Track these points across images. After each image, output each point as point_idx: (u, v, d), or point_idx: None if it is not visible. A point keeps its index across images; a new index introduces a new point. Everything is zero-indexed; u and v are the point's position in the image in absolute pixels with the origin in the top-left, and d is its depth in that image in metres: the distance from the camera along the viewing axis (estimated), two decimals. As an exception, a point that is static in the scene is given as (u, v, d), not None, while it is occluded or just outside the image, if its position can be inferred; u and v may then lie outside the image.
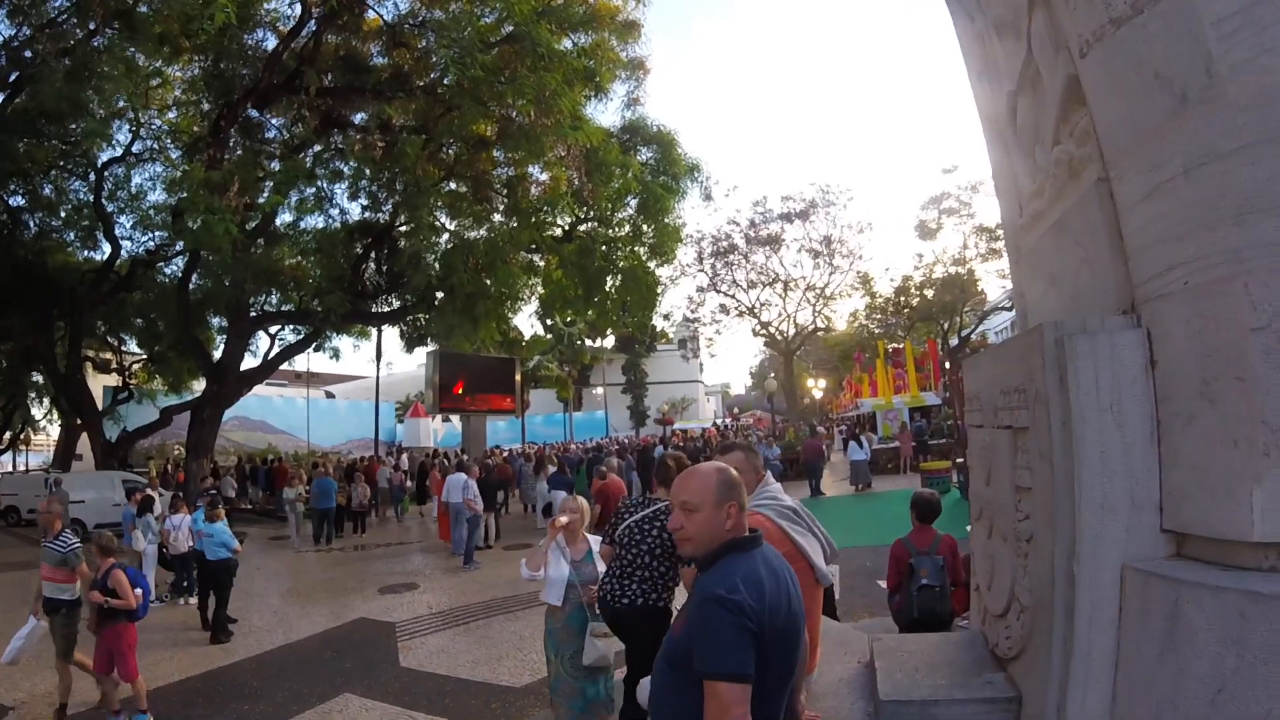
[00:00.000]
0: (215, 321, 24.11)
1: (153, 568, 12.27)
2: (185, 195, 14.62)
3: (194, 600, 11.15)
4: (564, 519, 5.43)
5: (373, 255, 21.84)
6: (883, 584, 6.98)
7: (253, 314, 21.91)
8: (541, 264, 23.08)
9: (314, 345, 24.74)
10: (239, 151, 18.68)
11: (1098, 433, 2.64)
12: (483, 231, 20.07)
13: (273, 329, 24.62)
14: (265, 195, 15.94)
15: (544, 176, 19.28)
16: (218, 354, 23.20)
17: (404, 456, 30.51)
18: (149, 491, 14.10)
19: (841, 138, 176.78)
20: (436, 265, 19.28)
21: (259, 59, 18.07)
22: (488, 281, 18.03)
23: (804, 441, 23.13)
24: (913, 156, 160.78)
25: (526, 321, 38.66)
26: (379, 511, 22.70)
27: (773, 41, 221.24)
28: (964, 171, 44.76)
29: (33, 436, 38.97)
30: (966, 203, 34.80)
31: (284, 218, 21.26)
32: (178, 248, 20.52)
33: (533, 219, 17.69)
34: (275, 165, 17.86)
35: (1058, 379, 2.71)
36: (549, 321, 44.43)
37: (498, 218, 20.23)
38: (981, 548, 4.04)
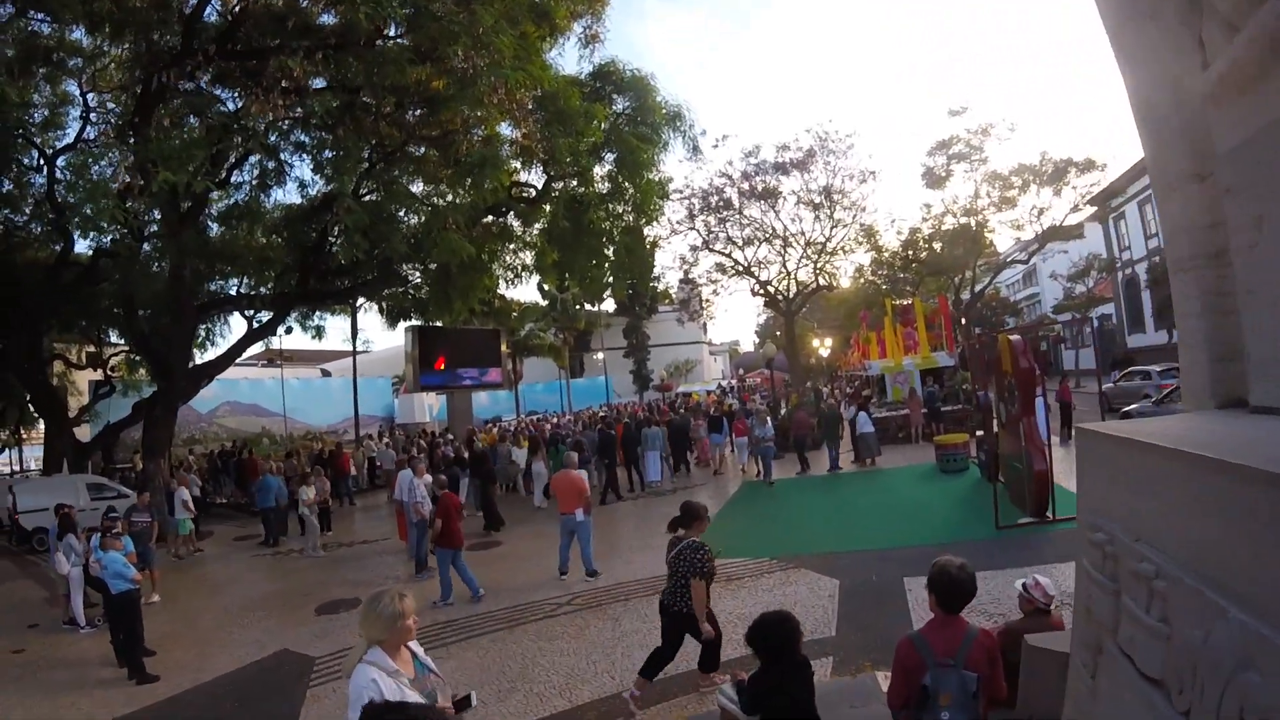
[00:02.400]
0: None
1: (79, 591, 11.40)
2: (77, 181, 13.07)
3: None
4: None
5: (336, 230, 20.18)
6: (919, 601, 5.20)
7: (199, 301, 20.28)
8: (521, 229, 21.52)
9: (284, 328, 23.39)
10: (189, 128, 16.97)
11: None
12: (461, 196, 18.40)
13: (248, 313, 23.02)
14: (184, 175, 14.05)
15: (515, 134, 17.50)
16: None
17: (384, 440, 29.01)
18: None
19: (839, 78, 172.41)
20: (409, 236, 17.60)
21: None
22: (432, 251, 16.26)
23: (793, 416, 21.52)
24: (917, 98, 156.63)
25: (525, 289, 37.49)
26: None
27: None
28: (974, 114, 42.05)
29: (31, 433, 38.00)
30: (977, 147, 32.55)
31: (239, 196, 19.82)
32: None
33: (470, 178, 15.68)
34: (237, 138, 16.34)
35: None
36: (545, 288, 43.06)
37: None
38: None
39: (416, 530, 12.59)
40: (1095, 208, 36.86)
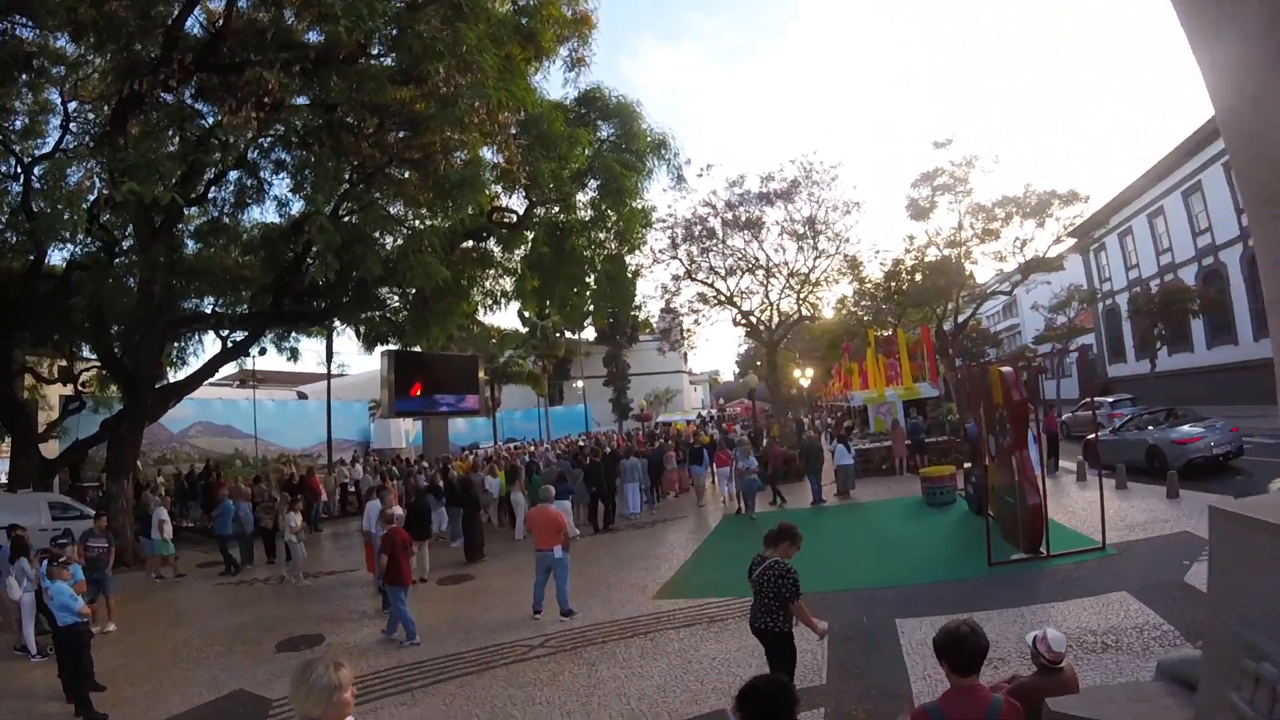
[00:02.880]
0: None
1: (31, 618, 10.87)
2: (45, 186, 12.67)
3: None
4: None
5: (313, 250, 19.75)
6: (914, 645, 4.76)
7: (171, 318, 19.68)
8: (501, 254, 21.14)
9: (258, 348, 22.78)
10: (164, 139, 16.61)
11: None
12: (440, 218, 17.98)
13: (222, 333, 22.47)
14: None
15: (497, 159, 17.13)
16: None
17: (358, 465, 28.38)
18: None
19: (825, 108, 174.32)
20: (385, 258, 17.19)
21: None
22: (407, 274, 15.87)
23: (770, 450, 21.24)
24: (903, 129, 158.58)
25: (505, 315, 37.08)
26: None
27: (752, 8, 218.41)
28: (958, 145, 42.02)
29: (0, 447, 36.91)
30: (961, 179, 32.59)
31: (216, 212, 19.36)
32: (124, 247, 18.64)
33: (450, 200, 15.28)
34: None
35: None
36: (525, 314, 42.62)
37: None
38: None
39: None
40: (1077, 239, 37.03)
